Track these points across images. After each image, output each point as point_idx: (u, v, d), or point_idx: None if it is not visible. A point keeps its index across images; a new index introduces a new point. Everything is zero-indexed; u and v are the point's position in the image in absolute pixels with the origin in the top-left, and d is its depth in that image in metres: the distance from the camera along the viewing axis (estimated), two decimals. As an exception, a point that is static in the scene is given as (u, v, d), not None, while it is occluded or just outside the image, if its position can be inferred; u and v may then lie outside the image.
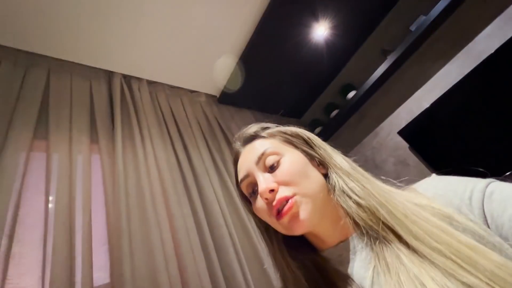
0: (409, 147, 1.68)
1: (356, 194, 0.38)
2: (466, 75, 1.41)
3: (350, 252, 0.41)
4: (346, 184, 0.40)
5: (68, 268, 0.72)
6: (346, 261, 0.41)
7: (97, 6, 1.08)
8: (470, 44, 1.47)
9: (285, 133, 0.49)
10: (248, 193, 0.47)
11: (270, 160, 0.44)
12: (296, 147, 0.47)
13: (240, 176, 0.47)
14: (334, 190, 0.41)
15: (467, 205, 0.34)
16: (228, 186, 1.23)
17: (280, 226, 0.42)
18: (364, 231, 0.37)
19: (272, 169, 0.44)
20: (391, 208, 0.36)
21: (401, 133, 1.66)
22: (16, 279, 0.67)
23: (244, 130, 0.53)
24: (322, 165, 0.46)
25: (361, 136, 1.98)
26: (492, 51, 1.32)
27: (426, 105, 1.62)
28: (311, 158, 0.46)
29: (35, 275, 0.69)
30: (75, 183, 0.89)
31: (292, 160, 0.44)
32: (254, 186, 0.45)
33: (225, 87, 1.72)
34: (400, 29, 1.71)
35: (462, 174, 0.40)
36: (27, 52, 1.09)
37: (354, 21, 1.70)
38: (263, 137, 0.49)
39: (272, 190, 0.41)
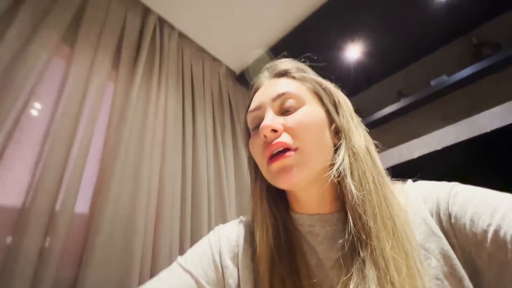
0: (388, 186, 1.79)
1: (355, 189, 0.34)
2: (461, 142, 1.53)
3: (323, 227, 0.39)
4: (350, 172, 0.36)
5: (60, 172, 0.75)
6: (315, 234, 0.40)
7: None
8: (475, 116, 1.59)
9: (318, 83, 0.44)
10: (252, 127, 0.44)
11: (288, 103, 0.40)
12: (322, 103, 0.42)
13: (252, 107, 0.44)
14: (336, 169, 0.36)
15: (437, 207, 0.35)
16: (219, 158, 1.28)
17: (268, 174, 0.40)
18: (347, 225, 0.34)
19: (286, 113, 0.40)
20: (379, 222, 0.33)
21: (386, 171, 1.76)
22: (11, 161, 0.69)
23: (277, 62, 0.48)
24: (337, 135, 0.41)
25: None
26: (491, 129, 1.44)
27: (417, 155, 1.73)
28: (330, 122, 0.41)
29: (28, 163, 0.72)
30: (85, 100, 0.89)
31: (311, 112, 0.39)
32: (260, 121, 0.41)
33: (247, 68, 1.75)
34: (421, 79, 1.82)
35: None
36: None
37: (385, 54, 1.78)
38: (293, 77, 0.44)
39: (275, 131, 0.37)
